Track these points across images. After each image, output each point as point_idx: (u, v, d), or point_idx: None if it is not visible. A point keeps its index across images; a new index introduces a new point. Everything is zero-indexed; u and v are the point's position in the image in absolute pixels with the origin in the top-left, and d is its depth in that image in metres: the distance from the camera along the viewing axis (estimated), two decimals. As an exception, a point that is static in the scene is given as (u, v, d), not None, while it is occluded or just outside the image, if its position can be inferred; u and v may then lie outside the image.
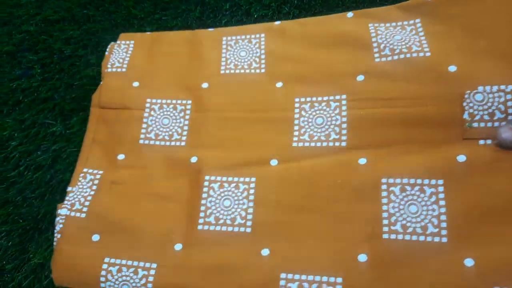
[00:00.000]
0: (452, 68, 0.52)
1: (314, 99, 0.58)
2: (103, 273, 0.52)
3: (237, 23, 0.71)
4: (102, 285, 0.52)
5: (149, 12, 0.76)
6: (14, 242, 0.61)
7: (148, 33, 0.71)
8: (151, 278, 0.51)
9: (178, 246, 0.53)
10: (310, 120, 0.57)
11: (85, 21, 0.77)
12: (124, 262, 0.52)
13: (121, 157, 0.60)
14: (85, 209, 0.57)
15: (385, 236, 0.47)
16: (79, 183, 0.60)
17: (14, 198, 0.64)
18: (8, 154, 0.67)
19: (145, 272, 0.51)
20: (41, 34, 0.77)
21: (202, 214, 0.54)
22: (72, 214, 0.57)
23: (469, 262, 0.44)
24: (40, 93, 0.71)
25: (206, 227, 0.53)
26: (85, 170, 0.61)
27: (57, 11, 0.79)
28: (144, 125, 0.62)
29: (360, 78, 0.56)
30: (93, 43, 0.75)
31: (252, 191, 0.54)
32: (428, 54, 0.54)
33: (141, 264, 0.52)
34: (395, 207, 0.49)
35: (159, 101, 0.63)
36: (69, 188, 0.60)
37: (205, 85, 0.63)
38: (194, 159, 0.58)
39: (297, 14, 0.69)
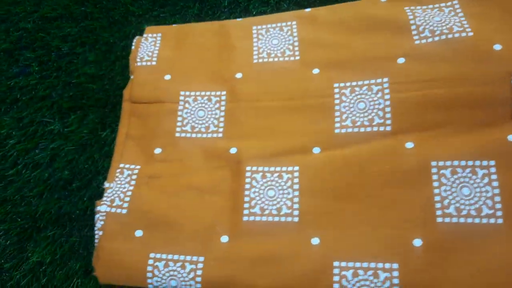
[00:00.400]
0: (497, 47, 0.51)
1: (354, 83, 0.57)
2: (149, 268, 0.51)
3: (235, 20, 0.71)
4: (149, 280, 0.51)
5: (147, 9, 0.75)
6: (12, 241, 0.61)
7: (174, 25, 0.71)
8: (199, 272, 0.50)
9: (224, 239, 0.52)
10: (351, 105, 0.56)
11: (82, 18, 0.77)
12: (170, 256, 0.52)
13: (157, 151, 0.60)
14: (125, 205, 0.56)
15: (439, 220, 0.47)
16: (116, 179, 0.59)
17: (12, 196, 0.63)
18: (6, 153, 0.67)
19: (193, 266, 0.51)
20: (38, 32, 0.76)
21: (246, 205, 0.53)
22: (113, 210, 0.56)
23: None
24: (38, 91, 0.71)
25: (251, 218, 0.53)
26: (121, 165, 0.60)
27: (54, 8, 0.78)
28: (179, 118, 0.61)
29: (401, 60, 0.55)
30: (91, 40, 0.74)
31: (296, 180, 0.53)
32: (470, 34, 0.53)
33: (188, 258, 0.51)
34: (447, 190, 0.48)
35: (192, 93, 0.63)
36: (106, 184, 0.59)
37: (238, 75, 0.62)
38: (233, 150, 0.57)
39: (296, 10, 0.68)
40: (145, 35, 0.70)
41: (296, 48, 0.62)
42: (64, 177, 0.63)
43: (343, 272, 0.47)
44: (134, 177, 0.59)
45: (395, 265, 0.46)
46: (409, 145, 0.51)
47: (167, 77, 0.65)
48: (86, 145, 0.65)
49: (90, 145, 0.65)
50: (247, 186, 0.54)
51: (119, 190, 0.58)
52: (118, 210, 0.56)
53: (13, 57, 0.75)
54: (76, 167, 0.64)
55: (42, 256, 0.58)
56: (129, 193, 0.57)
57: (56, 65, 0.73)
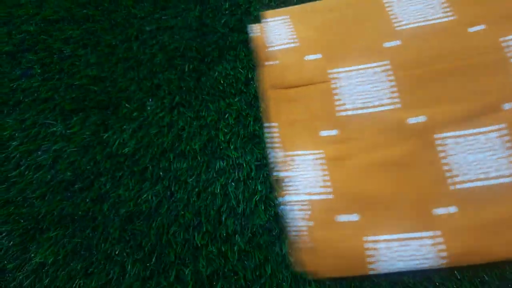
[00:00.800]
0: None
1: None
2: (370, 252, 0.49)
3: (236, 22, 0.71)
4: (370, 266, 0.49)
5: (149, 12, 0.76)
6: (15, 242, 0.61)
7: (295, 6, 0.69)
8: (441, 247, 0.48)
9: (443, 210, 0.50)
10: None
11: (84, 20, 0.77)
12: (394, 236, 0.50)
13: (324, 133, 0.58)
14: (329, 190, 0.54)
15: None
16: (293, 168, 0.56)
17: (15, 198, 0.64)
18: (9, 154, 0.67)
19: (420, 242, 0.49)
20: (40, 34, 0.77)
21: (449, 174, 0.52)
22: (314, 198, 0.54)
23: None
24: (40, 93, 0.72)
25: (466, 185, 0.51)
26: (292, 153, 0.58)
27: (56, 11, 0.78)
28: (337, 97, 0.59)
29: None
30: (93, 42, 0.75)
31: (506, 138, 0.52)
32: None
33: (414, 235, 0.49)
34: None
35: (347, 68, 0.61)
36: (282, 174, 0.57)
37: (389, 44, 0.61)
38: (415, 120, 0.55)
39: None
40: (268, 20, 0.67)
41: (448, 9, 0.61)
42: (67, 179, 0.64)
43: None
44: (319, 161, 0.56)
45: None
46: None
47: (312, 56, 0.63)
48: (88, 147, 0.66)
49: (92, 146, 0.66)
50: (442, 154, 0.53)
51: (303, 177, 0.56)
52: (321, 197, 0.54)
53: (15, 60, 0.76)
54: (79, 169, 0.64)
55: (45, 257, 0.59)
56: (326, 177, 0.55)
57: (58, 67, 0.74)
